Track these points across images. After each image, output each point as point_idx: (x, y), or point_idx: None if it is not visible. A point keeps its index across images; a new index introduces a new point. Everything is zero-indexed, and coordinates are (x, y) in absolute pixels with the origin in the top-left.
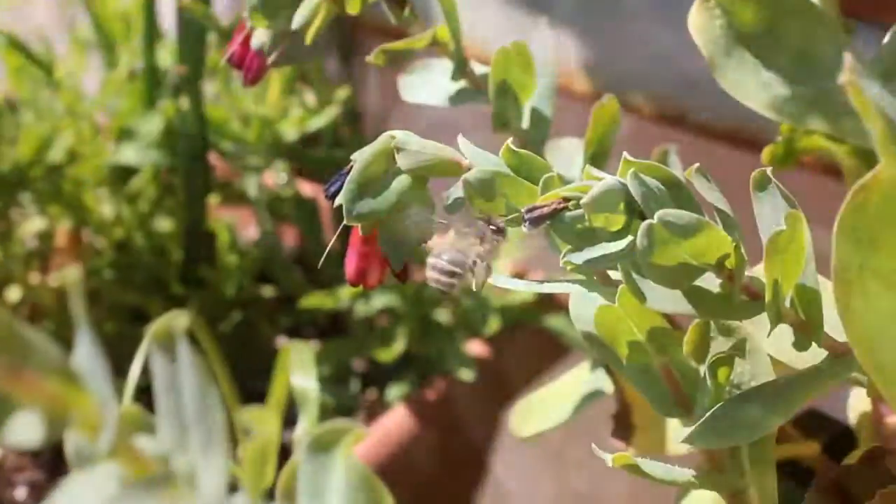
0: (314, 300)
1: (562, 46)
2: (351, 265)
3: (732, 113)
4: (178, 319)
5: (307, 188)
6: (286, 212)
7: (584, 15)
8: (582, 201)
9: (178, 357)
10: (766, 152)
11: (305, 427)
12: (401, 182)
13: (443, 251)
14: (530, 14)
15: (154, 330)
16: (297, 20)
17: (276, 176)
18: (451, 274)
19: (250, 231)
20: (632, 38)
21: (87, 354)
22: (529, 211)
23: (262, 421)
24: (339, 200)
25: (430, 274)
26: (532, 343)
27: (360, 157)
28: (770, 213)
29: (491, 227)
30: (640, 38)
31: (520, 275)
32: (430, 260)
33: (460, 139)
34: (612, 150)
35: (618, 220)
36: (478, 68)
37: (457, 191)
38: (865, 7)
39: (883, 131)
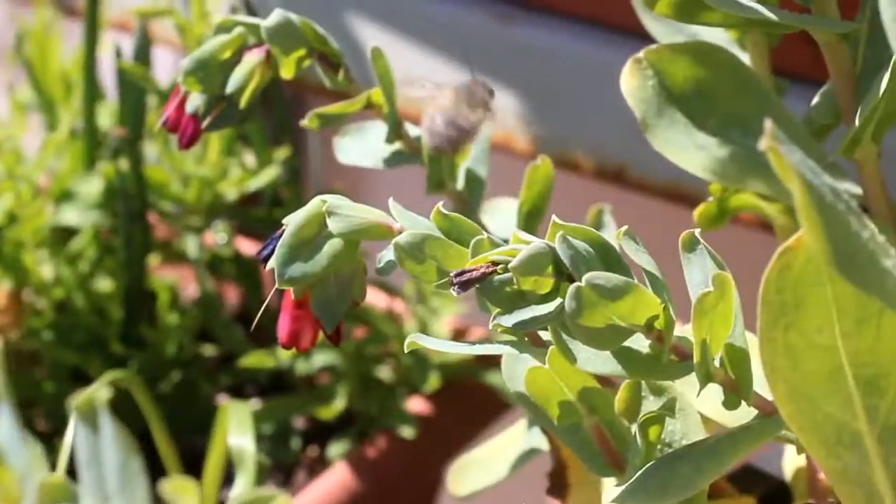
0: (254, 359)
1: (501, 104)
2: (283, 328)
3: (670, 169)
4: (101, 392)
5: (248, 247)
6: (227, 271)
7: (521, 73)
8: (510, 265)
9: (100, 429)
10: (698, 212)
11: (242, 487)
12: (332, 246)
13: (436, 113)
14: (468, 74)
15: (77, 402)
16: (232, 84)
17: (216, 236)
18: (449, 136)
19: (191, 290)
20: (569, 96)
21: (6, 427)
22: (458, 275)
23: (184, 491)
24: (270, 264)
25: (428, 137)
26: (473, 399)
27: (291, 221)
28: (699, 273)
29: (483, 90)
30: (577, 96)
31: (460, 331)
32: (425, 124)
33: (391, 202)
34: (547, 208)
35: (546, 283)
36: (413, 130)
37: (388, 254)
38: (800, 64)
39: (803, 197)
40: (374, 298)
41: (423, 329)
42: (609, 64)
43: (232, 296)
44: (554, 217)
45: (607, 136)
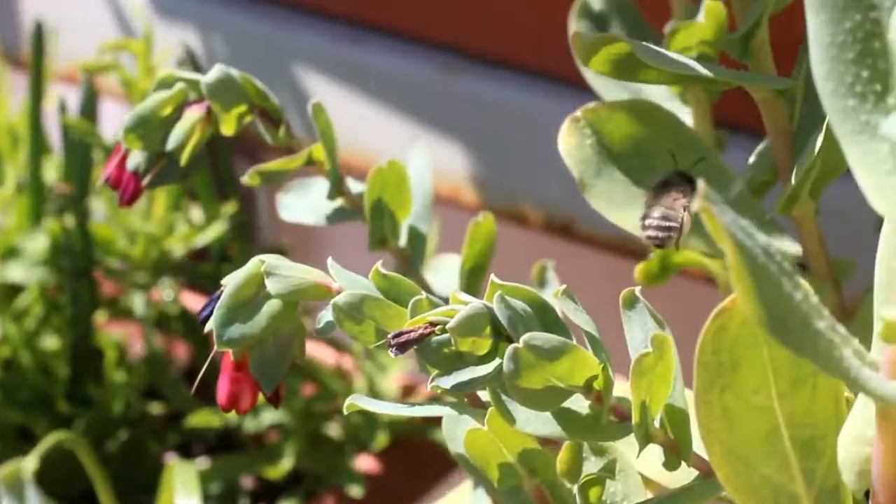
0: (202, 418)
1: (448, 157)
2: (223, 391)
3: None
4: (27, 462)
5: (196, 303)
6: (175, 327)
7: (468, 126)
8: (448, 326)
9: (26, 501)
10: (640, 270)
11: None
12: (271, 307)
13: (653, 209)
14: (414, 125)
15: (2, 475)
16: (172, 142)
17: (163, 292)
18: (667, 228)
19: (140, 347)
20: (517, 149)
21: None
22: (396, 336)
23: None
24: (209, 325)
25: (647, 232)
26: (421, 457)
27: (230, 282)
28: (639, 332)
29: (690, 181)
30: (525, 148)
31: (409, 388)
32: (643, 221)
33: (330, 262)
34: (490, 265)
35: (484, 344)
36: (355, 186)
37: (327, 314)
38: (746, 116)
39: (735, 258)
40: (323, 354)
41: (372, 386)
42: (557, 116)
43: (181, 351)
44: (493, 276)
45: (555, 189)
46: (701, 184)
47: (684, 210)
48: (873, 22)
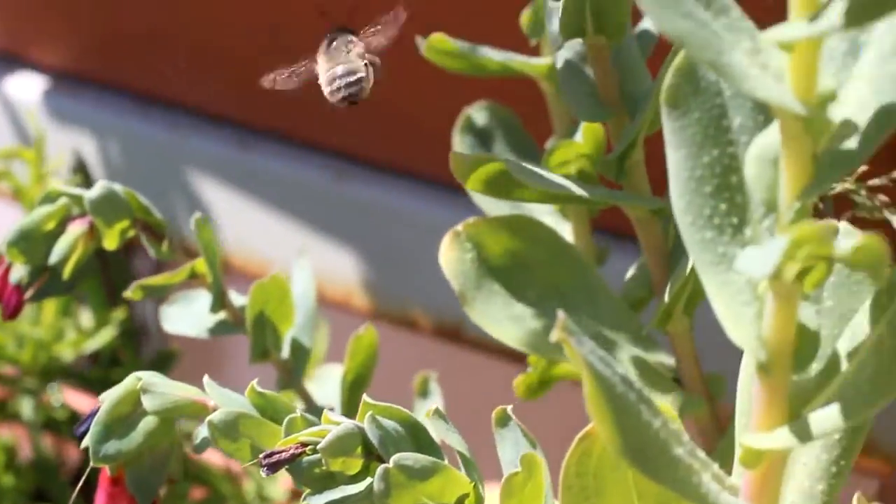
0: None
1: (340, 263)
2: None
3: None
4: None
5: (88, 404)
6: (64, 431)
7: (360, 231)
8: (318, 446)
9: None
10: (518, 383)
11: None
12: (148, 423)
13: (332, 68)
14: (306, 231)
15: None
16: (55, 256)
17: (52, 397)
18: (356, 82)
19: (29, 450)
20: (408, 254)
21: None
22: (267, 457)
23: None
24: (85, 442)
25: (339, 94)
26: None
27: (107, 398)
28: (511, 451)
29: (350, 36)
30: (416, 254)
31: (298, 493)
32: (327, 86)
33: (206, 380)
34: (372, 376)
35: (355, 464)
36: (238, 299)
37: (204, 431)
38: (630, 223)
39: (592, 389)
40: (212, 457)
41: (260, 490)
42: (447, 222)
43: (73, 453)
44: (365, 396)
45: (444, 294)
46: (560, 314)
47: (363, 60)
48: (731, 157)
